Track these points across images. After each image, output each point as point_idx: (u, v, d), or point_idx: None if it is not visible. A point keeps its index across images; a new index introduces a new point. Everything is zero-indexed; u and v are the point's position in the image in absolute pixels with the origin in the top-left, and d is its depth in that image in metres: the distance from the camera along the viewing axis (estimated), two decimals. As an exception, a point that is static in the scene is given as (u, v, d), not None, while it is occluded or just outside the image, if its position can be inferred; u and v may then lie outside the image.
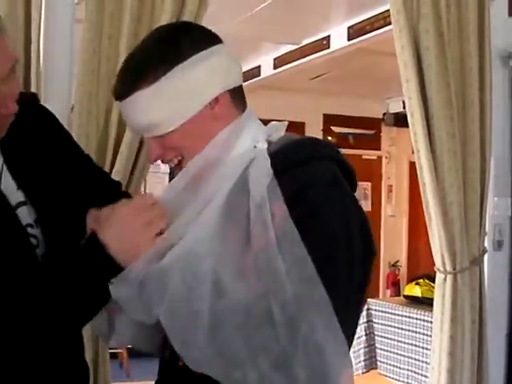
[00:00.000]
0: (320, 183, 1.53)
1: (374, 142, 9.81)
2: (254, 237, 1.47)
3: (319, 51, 6.24)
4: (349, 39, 5.79)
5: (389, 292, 9.62)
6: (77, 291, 1.54)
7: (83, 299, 1.56)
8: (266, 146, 1.62)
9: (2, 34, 1.55)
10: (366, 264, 1.59)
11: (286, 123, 1.71)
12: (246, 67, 7.56)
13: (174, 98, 1.56)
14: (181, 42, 1.58)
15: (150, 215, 1.56)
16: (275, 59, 7.06)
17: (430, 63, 3.59)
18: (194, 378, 1.47)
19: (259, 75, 7.44)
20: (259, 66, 7.39)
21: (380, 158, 9.89)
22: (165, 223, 1.56)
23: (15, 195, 1.73)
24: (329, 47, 6.08)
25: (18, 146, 1.79)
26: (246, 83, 7.62)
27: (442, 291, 3.76)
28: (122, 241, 1.54)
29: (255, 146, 1.62)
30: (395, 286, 9.57)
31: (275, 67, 7.09)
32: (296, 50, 6.64)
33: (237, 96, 1.67)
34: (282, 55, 6.91)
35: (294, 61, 6.72)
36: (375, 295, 9.02)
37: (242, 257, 1.47)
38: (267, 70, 7.27)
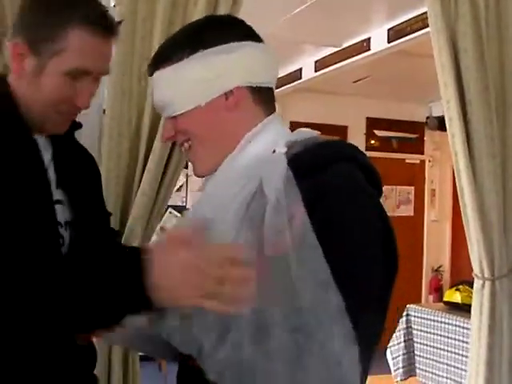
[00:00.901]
0: (340, 189, 1.49)
1: (418, 146, 9.71)
2: (269, 241, 1.42)
3: (360, 53, 6.19)
4: (389, 41, 5.73)
5: (431, 298, 9.51)
6: (93, 296, 1.43)
7: (94, 308, 1.44)
8: (285, 150, 1.57)
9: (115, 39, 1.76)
10: (386, 278, 1.58)
11: (316, 133, 1.66)
12: (287, 70, 7.55)
13: (191, 81, 1.60)
14: (208, 31, 1.63)
15: (218, 273, 1.37)
16: (316, 62, 7.01)
17: (468, 65, 3.51)
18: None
19: (300, 78, 7.40)
20: (300, 69, 7.35)
21: (423, 162, 9.77)
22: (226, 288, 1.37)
23: (54, 192, 1.77)
24: (369, 49, 6.02)
25: (66, 148, 1.86)
26: (288, 86, 7.62)
27: (479, 298, 3.69)
28: (168, 279, 1.38)
29: (274, 151, 1.58)
30: (438, 291, 9.44)
31: (316, 70, 7.03)
32: (337, 52, 6.58)
33: (260, 96, 1.65)
34: (323, 58, 6.85)
35: (335, 63, 6.66)
36: (417, 301, 8.93)
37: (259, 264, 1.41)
38: (308, 73, 7.22)
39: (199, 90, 1.60)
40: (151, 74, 1.66)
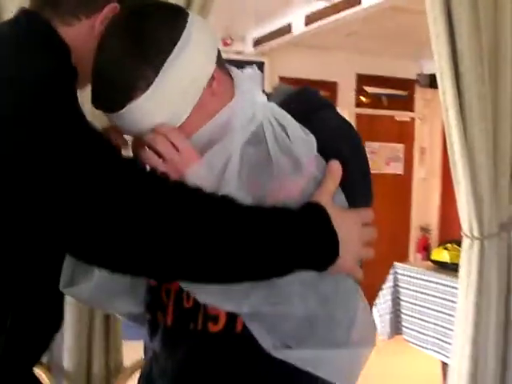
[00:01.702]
0: (335, 128, 1.58)
1: (408, 104, 9.62)
2: (283, 186, 1.42)
3: (351, 8, 6.06)
4: (381, -4, 5.62)
5: (419, 256, 9.48)
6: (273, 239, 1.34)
7: (272, 250, 1.34)
8: (265, 98, 1.56)
9: None
10: None
11: (258, 73, 1.62)
12: (276, 24, 7.42)
13: (173, 93, 1.45)
14: (158, 35, 1.44)
15: (365, 234, 1.46)
16: (307, 16, 6.88)
17: (460, 17, 3.42)
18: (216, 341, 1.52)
19: (290, 32, 7.26)
20: (290, 23, 7.21)
21: (413, 119, 9.69)
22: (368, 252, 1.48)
23: None
24: (360, 3, 5.90)
25: None
26: (277, 40, 7.50)
27: (468, 257, 3.64)
28: (343, 232, 1.38)
29: (254, 101, 1.55)
30: (425, 250, 9.41)
31: (306, 24, 6.91)
32: (328, 6, 6.46)
33: (221, 62, 1.56)
34: (314, 12, 6.73)
35: (326, 17, 6.54)
36: (405, 259, 8.91)
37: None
38: (298, 27, 7.09)
39: (185, 95, 1.47)
40: (117, 110, 1.44)
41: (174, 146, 1.44)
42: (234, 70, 1.60)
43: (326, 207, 1.37)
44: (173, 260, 1.30)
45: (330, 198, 1.41)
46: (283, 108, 1.54)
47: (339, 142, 1.53)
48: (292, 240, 1.34)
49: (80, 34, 1.69)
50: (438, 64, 3.51)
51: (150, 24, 1.44)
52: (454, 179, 3.59)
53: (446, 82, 3.48)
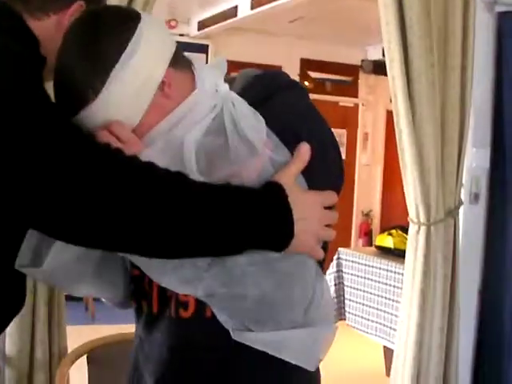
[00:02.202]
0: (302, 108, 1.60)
1: (352, 89, 9.67)
2: (241, 170, 1.43)
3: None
4: (327, -20, 5.62)
5: (361, 242, 9.57)
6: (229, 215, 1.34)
7: (225, 226, 1.34)
8: (227, 86, 1.57)
9: None
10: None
11: (223, 61, 1.63)
12: (222, 7, 7.38)
13: (122, 100, 1.45)
14: (105, 45, 1.44)
15: (327, 215, 1.47)
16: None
17: (411, 5, 3.43)
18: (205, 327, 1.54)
19: (236, 16, 7.22)
20: (236, 6, 7.17)
21: (357, 105, 9.75)
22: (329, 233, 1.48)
23: None
24: (306, -13, 5.91)
25: None
26: (223, 23, 7.47)
27: (414, 243, 3.66)
28: (301, 213, 1.39)
29: (216, 90, 1.55)
30: (368, 235, 9.51)
31: (252, 8, 6.87)
32: (274, -11, 6.45)
33: (178, 61, 1.54)
34: (260, -5, 6.71)
35: (273, 1, 6.51)
36: (347, 244, 8.98)
37: None
38: (244, 11, 7.06)
39: (135, 100, 1.47)
40: (74, 115, 1.46)
41: (118, 138, 1.44)
42: (197, 64, 1.59)
43: (284, 186, 1.38)
44: (123, 231, 1.31)
45: (292, 178, 1.42)
46: (246, 91, 1.57)
47: (299, 124, 1.54)
48: (244, 216, 1.34)
49: (48, 29, 1.73)
50: (388, 51, 3.51)
51: (99, 33, 1.45)
52: (402, 165, 3.60)
53: (395, 69, 3.49)
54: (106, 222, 1.30)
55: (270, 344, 1.47)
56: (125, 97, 1.45)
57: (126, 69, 1.43)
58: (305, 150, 1.45)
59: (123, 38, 1.44)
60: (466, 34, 3.64)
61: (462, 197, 3.79)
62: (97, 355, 2.83)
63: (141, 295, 1.68)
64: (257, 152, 1.44)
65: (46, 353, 3.09)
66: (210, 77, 1.56)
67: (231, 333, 1.47)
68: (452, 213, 3.68)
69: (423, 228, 3.61)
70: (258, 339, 1.46)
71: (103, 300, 1.82)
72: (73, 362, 2.81)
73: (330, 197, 1.49)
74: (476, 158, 3.95)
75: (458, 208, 3.73)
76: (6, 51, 1.46)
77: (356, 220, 9.83)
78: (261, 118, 1.47)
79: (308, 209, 1.41)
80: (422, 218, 3.61)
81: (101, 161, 1.32)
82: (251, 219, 1.35)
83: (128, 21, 1.48)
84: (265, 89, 1.60)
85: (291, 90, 1.64)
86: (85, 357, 2.82)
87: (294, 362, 1.50)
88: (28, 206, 1.30)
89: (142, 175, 1.33)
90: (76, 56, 1.46)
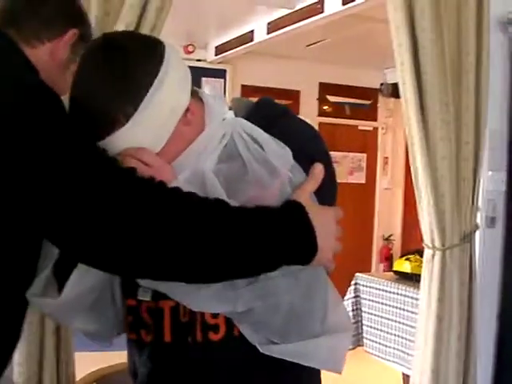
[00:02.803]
0: (300, 132, 1.71)
1: (371, 113, 9.61)
2: (262, 191, 1.54)
3: (313, 16, 6.01)
4: (343, 4, 5.56)
5: (381, 266, 9.47)
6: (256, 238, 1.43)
7: (255, 250, 1.43)
8: (232, 114, 1.69)
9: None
10: None
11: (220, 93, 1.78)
12: (238, 32, 7.36)
13: (151, 125, 1.53)
14: (137, 72, 1.51)
15: (338, 229, 1.57)
16: (269, 24, 6.81)
17: (424, 27, 3.40)
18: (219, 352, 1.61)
19: (252, 40, 7.20)
20: (252, 31, 7.15)
21: (376, 129, 9.67)
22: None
23: None
24: (323, 11, 5.85)
25: None
26: (239, 48, 7.45)
27: (430, 268, 3.60)
28: (321, 228, 1.49)
29: (224, 118, 1.66)
30: (388, 260, 9.40)
31: (269, 32, 6.84)
32: (290, 14, 6.41)
33: (193, 89, 1.65)
34: (276, 19, 6.67)
35: (288, 25, 6.48)
36: (368, 269, 8.89)
37: None
38: (261, 35, 7.03)
39: (162, 126, 1.55)
40: (103, 139, 1.52)
41: (147, 164, 1.52)
42: (204, 94, 1.69)
43: (305, 205, 1.47)
44: (167, 260, 1.37)
45: (309, 196, 1.53)
46: (250, 118, 1.66)
47: (310, 145, 1.66)
48: (276, 236, 1.43)
49: (43, 57, 1.79)
50: (401, 73, 3.47)
51: (130, 60, 1.52)
52: (416, 189, 3.55)
53: (408, 91, 3.45)
54: (148, 249, 1.36)
55: (296, 354, 1.56)
56: (154, 123, 1.52)
57: (157, 95, 1.51)
58: (319, 171, 1.57)
59: (154, 65, 1.52)
60: (480, 55, 3.59)
61: (478, 221, 3.72)
62: (106, 383, 2.79)
63: (140, 325, 1.69)
64: (278, 174, 1.54)
65: (53, 381, 3.05)
66: (217, 108, 1.66)
67: (258, 347, 1.55)
68: (467, 237, 3.62)
69: (438, 253, 3.55)
70: (285, 351, 1.55)
71: (84, 334, 1.82)
72: (81, 390, 2.78)
73: (339, 211, 1.59)
74: (492, 181, 3.89)
75: (474, 232, 3.66)
76: (26, 84, 1.50)
77: (377, 244, 9.74)
78: (284, 145, 1.58)
79: (326, 224, 1.51)
80: (437, 243, 3.55)
81: (143, 190, 1.39)
82: (282, 238, 1.43)
83: (155, 48, 1.56)
84: (267, 116, 1.69)
85: (288, 116, 1.76)
86: (94, 384, 2.79)
87: (321, 368, 1.66)
88: (60, 229, 1.36)
89: (185, 204, 1.40)
90: (107, 82, 1.50)
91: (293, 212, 1.47)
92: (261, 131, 1.60)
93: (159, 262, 1.37)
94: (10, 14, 1.81)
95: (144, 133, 1.52)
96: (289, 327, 1.55)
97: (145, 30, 2.87)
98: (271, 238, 1.43)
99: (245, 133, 1.60)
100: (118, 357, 2.34)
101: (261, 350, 1.55)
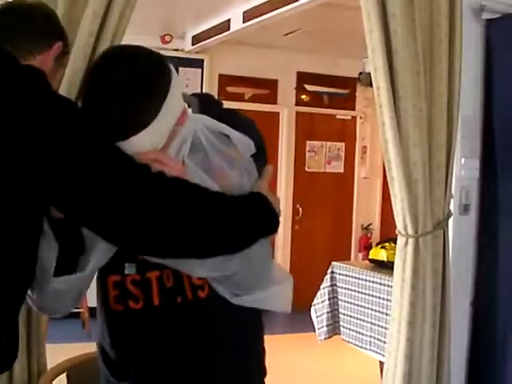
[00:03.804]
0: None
1: (349, 102, 9.61)
2: (224, 177, 1.88)
3: (288, 4, 5.99)
4: (318, -9, 5.56)
5: (361, 256, 9.48)
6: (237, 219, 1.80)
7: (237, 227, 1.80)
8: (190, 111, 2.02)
9: None
10: None
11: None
12: (215, 21, 7.35)
13: (164, 127, 1.81)
14: (159, 85, 1.78)
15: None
16: (245, 12, 6.79)
17: (395, 13, 3.37)
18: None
19: (229, 29, 7.17)
20: (229, 20, 7.12)
21: (354, 118, 9.67)
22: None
23: None
24: (298, 0, 5.84)
25: None
26: (216, 38, 7.42)
27: (402, 255, 3.60)
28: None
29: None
30: (367, 249, 9.39)
31: (245, 21, 6.82)
32: (265, 3, 6.38)
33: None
34: (252, 8, 6.64)
35: (264, 14, 6.46)
36: (347, 259, 8.90)
37: None
38: (237, 24, 7.00)
39: (168, 127, 1.83)
40: (123, 139, 1.75)
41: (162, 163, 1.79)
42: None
43: (266, 195, 1.88)
44: (176, 237, 1.70)
45: (266, 188, 1.92)
46: (204, 113, 1.99)
47: (250, 134, 1.99)
48: (256, 217, 1.85)
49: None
50: (372, 60, 3.45)
51: (151, 72, 1.79)
52: (388, 176, 3.53)
53: (379, 78, 3.43)
54: (167, 231, 1.68)
55: (257, 301, 1.98)
56: (166, 127, 1.81)
57: (172, 100, 1.80)
58: (270, 170, 1.98)
59: (167, 76, 1.80)
60: (453, 42, 3.58)
61: (452, 208, 3.71)
62: (77, 372, 2.78)
63: (127, 297, 1.99)
64: (234, 164, 1.89)
65: (24, 371, 3.02)
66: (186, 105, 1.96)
67: (230, 299, 1.94)
68: (441, 224, 3.61)
69: (411, 240, 3.54)
70: (250, 300, 1.96)
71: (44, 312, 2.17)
72: (52, 380, 2.75)
73: (270, 170, 2.01)
74: (465, 169, 3.89)
75: (447, 219, 3.65)
76: (47, 94, 1.68)
77: (355, 234, 9.75)
78: (247, 137, 1.95)
79: (276, 203, 1.92)
80: (410, 230, 3.54)
81: (150, 180, 1.68)
82: (259, 218, 1.86)
83: (165, 61, 1.84)
84: (215, 111, 2.03)
85: (227, 109, 2.14)
86: (64, 374, 2.77)
87: (275, 310, 2.07)
88: (89, 213, 1.64)
89: (193, 193, 1.73)
90: (132, 93, 1.75)
91: (261, 199, 1.87)
92: (224, 125, 1.93)
93: (170, 240, 1.70)
94: (2, 32, 2.00)
95: (157, 135, 1.79)
96: (252, 283, 1.95)
97: (113, 19, 2.86)
98: (252, 219, 1.84)
99: (205, 127, 1.91)
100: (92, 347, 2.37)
101: (232, 301, 1.94)
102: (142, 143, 1.76)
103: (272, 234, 1.93)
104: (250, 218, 1.83)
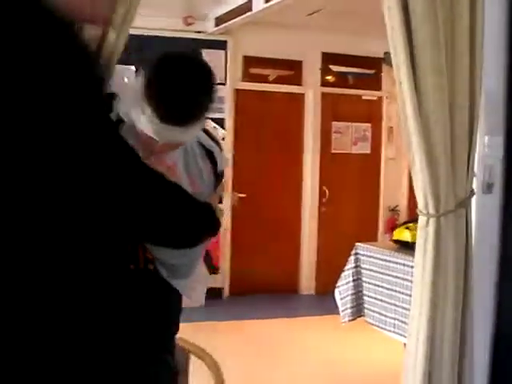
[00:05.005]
0: None
1: (375, 82, 9.52)
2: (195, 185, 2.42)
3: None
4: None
5: (388, 237, 9.39)
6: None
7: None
8: None
9: None
10: None
11: None
12: (236, 2, 7.27)
13: (199, 128, 2.30)
14: (216, 93, 2.23)
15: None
16: (267, -8, 6.72)
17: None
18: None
19: (251, 10, 7.09)
20: (250, 0, 7.05)
21: (381, 98, 9.58)
22: None
23: None
24: (320, -22, 5.77)
25: None
26: (238, 18, 7.36)
27: (424, 235, 3.51)
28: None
29: None
30: (394, 230, 9.34)
31: (267, 1, 6.74)
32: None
33: None
34: (273, -12, 6.58)
35: (286, -7, 6.39)
36: (373, 240, 8.83)
37: None
38: (259, 4, 6.93)
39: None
40: (177, 126, 2.14)
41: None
42: None
43: (214, 207, 2.37)
44: (167, 234, 2.14)
45: (217, 200, 2.48)
46: None
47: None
48: (208, 221, 2.34)
49: None
50: (391, 38, 3.38)
51: (216, 83, 2.24)
52: (409, 154, 3.46)
53: (399, 57, 3.36)
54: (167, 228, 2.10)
55: (180, 287, 2.52)
56: (201, 127, 2.29)
57: None
58: (223, 186, 2.52)
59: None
60: (474, 16, 3.49)
61: (475, 186, 3.63)
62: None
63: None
64: (203, 176, 2.47)
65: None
66: None
67: (167, 280, 2.47)
68: (463, 203, 3.53)
69: (432, 220, 3.47)
70: (179, 284, 2.50)
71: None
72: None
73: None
74: (489, 147, 3.80)
75: (470, 198, 3.57)
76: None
77: (382, 215, 9.68)
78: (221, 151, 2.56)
79: (220, 215, 2.41)
80: (431, 209, 3.46)
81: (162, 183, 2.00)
82: (211, 222, 2.36)
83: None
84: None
85: None
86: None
87: (189, 299, 2.61)
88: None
89: (185, 197, 2.15)
90: (204, 89, 2.16)
91: (210, 210, 2.33)
92: (212, 142, 2.51)
93: (167, 234, 2.13)
94: None
95: (195, 133, 2.29)
96: (182, 273, 2.49)
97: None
98: (207, 222, 2.33)
99: (196, 138, 2.43)
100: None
101: (169, 281, 2.46)
102: (188, 135, 2.19)
103: (213, 236, 2.40)
104: (206, 221, 2.31)
